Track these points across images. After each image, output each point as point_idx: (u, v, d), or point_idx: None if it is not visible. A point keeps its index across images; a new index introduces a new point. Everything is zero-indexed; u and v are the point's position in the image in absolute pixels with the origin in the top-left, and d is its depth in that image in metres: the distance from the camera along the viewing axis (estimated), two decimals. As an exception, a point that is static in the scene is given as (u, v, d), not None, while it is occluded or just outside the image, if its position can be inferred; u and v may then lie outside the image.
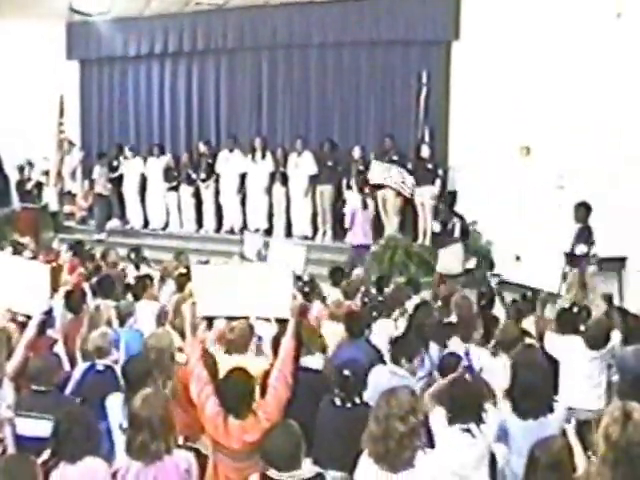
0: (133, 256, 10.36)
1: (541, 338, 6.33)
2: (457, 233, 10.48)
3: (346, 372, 4.80)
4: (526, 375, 4.69)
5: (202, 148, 14.38)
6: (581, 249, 8.92)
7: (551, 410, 4.62)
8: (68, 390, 5.28)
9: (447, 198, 11.52)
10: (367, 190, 11.62)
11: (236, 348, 5.69)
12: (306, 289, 7.83)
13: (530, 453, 3.70)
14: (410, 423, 3.86)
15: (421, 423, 3.99)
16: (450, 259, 10.34)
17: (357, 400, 4.79)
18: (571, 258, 9.18)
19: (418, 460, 3.90)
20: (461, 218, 10.76)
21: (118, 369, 5.35)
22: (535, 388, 4.63)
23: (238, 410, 4.28)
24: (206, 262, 9.69)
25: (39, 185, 14.20)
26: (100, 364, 5.43)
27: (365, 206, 11.45)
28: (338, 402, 4.78)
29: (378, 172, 12.31)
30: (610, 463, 3.30)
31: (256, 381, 4.60)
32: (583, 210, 9.03)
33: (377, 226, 12.57)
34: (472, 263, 9.85)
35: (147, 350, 5.18)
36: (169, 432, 3.94)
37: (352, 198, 12.23)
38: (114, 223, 15.08)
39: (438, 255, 10.66)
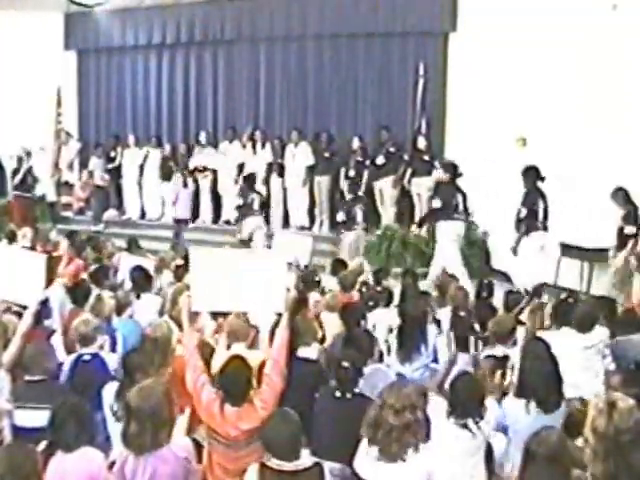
0: (130, 246, 10.36)
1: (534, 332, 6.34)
2: (256, 206, 12.29)
3: (345, 364, 4.81)
4: (539, 368, 4.68)
5: (203, 138, 14.40)
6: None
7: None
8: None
9: (249, 177, 12.87)
10: (187, 172, 13.69)
11: (236, 338, 5.63)
12: (306, 278, 7.86)
13: (525, 446, 3.68)
14: (404, 418, 3.89)
15: (418, 419, 3.98)
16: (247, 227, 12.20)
17: (356, 391, 4.80)
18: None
19: (412, 454, 3.92)
20: (259, 194, 12.68)
21: (105, 355, 5.37)
22: (550, 382, 4.63)
23: (235, 397, 4.31)
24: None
25: (33, 176, 14.19)
26: (86, 354, 5.36)
27: (185, 185, 13.82)
28: (338, 394, 4.78)
29: (198, 159, 14.16)
30: (601, 455, 3.31)
31: (252, 372, 4.61)
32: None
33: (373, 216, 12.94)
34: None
35: (145, 340, 5.20)
36: (162, 424, 3.89)
37: (176, 179, 14.14)
38: (111, 214, 15.08)
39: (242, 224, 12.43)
